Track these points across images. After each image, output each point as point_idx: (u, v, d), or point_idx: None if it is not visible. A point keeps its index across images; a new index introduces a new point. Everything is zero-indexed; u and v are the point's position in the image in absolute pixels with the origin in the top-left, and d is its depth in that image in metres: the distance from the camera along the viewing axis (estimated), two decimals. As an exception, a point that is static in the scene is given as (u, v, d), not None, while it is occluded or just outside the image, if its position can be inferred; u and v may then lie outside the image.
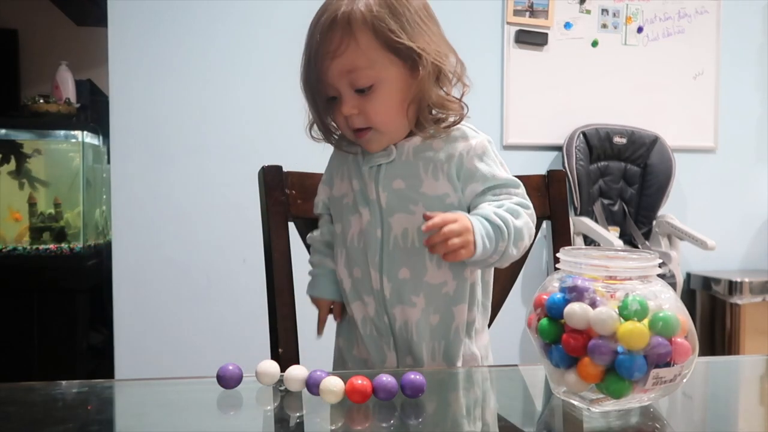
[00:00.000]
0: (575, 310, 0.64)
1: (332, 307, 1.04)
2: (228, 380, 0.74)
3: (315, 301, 1.05)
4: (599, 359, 0.63)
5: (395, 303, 0.95)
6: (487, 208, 0.90)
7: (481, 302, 1.00)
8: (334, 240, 1.03)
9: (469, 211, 0.92)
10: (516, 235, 0.89)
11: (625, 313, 0.63)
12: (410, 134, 0.95)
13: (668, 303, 0.65)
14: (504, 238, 0.88)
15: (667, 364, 0.63)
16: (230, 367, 0.74)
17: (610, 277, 0.66)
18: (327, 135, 0.98)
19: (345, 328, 1.05)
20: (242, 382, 0.75)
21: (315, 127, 0.98)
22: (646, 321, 0.63)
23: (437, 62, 0.90)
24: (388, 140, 0.94)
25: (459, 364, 0.97)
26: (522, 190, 0.95)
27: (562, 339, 0.66)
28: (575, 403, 0.68)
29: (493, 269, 1.02)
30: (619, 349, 0.62)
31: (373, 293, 0.96)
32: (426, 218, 0.85)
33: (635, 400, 0.66)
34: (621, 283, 0.66)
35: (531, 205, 0.94)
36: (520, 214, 0.90)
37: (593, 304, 0.64)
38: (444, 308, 0.95)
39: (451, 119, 0.94)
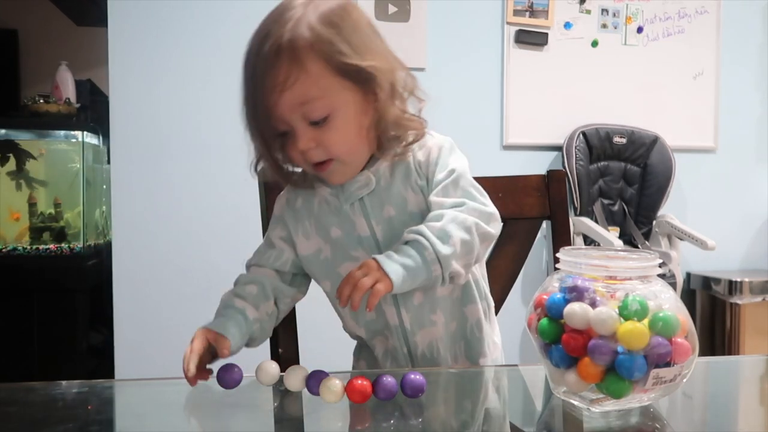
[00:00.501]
0: (575, 310, 0.64)
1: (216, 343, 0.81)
2: (228, 381, 0.74)
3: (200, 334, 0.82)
4: (599, 359, 0.63)
5: (416, 330, 0.93)
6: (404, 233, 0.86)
7: (486, 294, 1.00)
8: (329, 299, 0.97)
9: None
10: (440, 235, 0.82)
11: (625, 313, 0.63)
12: (374, 157, 0.90)
13: (668, 303, 0.65)
14: (425, 246, 0.82)
15: (667, 364, 0.63)
16: (230, 368, 0.74)
17: (610, 277, 0.66)
18: (278, 172, 0.89)
19: (365, 352, 1.01)
20: (242, 382, 0.75)
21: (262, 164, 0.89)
22: (646, 321, 0.63)
23: (392, 81, 0.84)
24: (352, 170, 0.88)
25: (483, 360, 0.97)
26: (461, 174, 0.88)
27: (562, 339, 0.66)
28: (575, 403, 0.68)
29: (483, 261, 1.01)
30: (619, 349, 0.62)
31: (391, 329, 0.94)
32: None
33: (635, 400, 0.66)
34: (621, 283, 0.66)
35: (471, 197, 0.87)
36: (442, 216, 0.84)
37: (593, 304, 0.64)
38: (458, 312, 0.95)
39: (412, 137, 0.89)
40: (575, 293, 0.66)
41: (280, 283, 0.95)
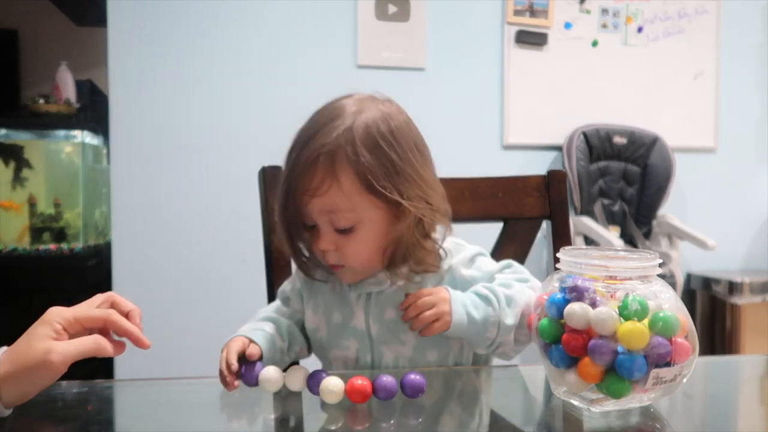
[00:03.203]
0: (575, 310, 0.64)
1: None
2: (250, 377, 0.75)
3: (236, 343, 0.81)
4: (599, 359, 0.63)
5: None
6: (478, 284, 0.88)
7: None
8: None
9: None
10: (508, 301, 0.85)
11: (625, 313, 0.63)
12: (391, 266, 0.88)
13: (668, 303, 0.65)
14: (494, 306, 0.84)
15: (667, 364, 0.63)
16: (253, 364, 0.76)
17: (610, 277, 0.66)
18: (297, 257, 0.91)
19: None
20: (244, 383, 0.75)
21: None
22: (646, 321, 0.63)
23: (420, 214, 0.84)
24: (364, 275, 0.89)
25: None
26: (517, 265, 0.93)
27: (562, 339, 0.65)
28: (575, 403, 0.68)
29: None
30: (619, 349, 0.62)
31: None
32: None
33: (635, 400, 0.66)
34: (621, 283, 0.66)
35: (530, 276, 0.91)
36: (511, 284, 0.87)
37: (593, 304, 0.64)
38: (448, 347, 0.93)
39: (422, 268, 0.88)
40: (575, 293, 0.66)
41: (296, 328, 0.95)
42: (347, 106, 0.84)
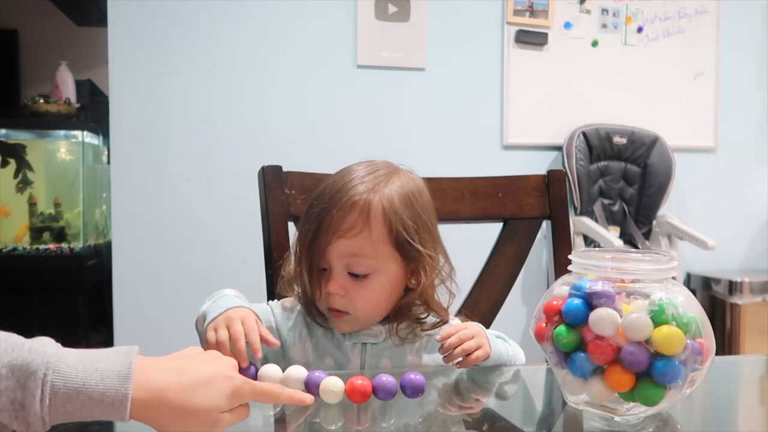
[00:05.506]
0: (603, 316, 0.62)
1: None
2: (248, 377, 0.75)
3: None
4: (633, 366, 0.61)
5: None
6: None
7: None
8: None
9: None
10: (511, 341, 0.96)
11: (662, 318, 0.61)
12: (396, 318, 0.92)
13: (690, 304, 0.64)
14: (509, 342, 0.95)
15: (695, 367, 0.62)
16: (249, 368, 0.75)
17: (631, 281, 0.64)
18: (306, 299, 0.92)
19: None
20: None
21: (288, 286, 0.94)
22: (674, 324, 0.61)
23: (436, 266, 0.90)
24: (361, 326, 0.91)
25: None
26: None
27: (588, 346, 0.63)
28: (598, 412, 0.66)
29: None
30: (653, 354, 0.60)
31: None
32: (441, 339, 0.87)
33: (662, 405, 0.64)
34: (641, 286, 0.64)
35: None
36: (505, 338, 0.98)
37: (617, 310, 0.63)
38: None
39: (432, 321, 0.93)
40: (604, 299, 0.63)
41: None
42: (380, 165, 0.91)
